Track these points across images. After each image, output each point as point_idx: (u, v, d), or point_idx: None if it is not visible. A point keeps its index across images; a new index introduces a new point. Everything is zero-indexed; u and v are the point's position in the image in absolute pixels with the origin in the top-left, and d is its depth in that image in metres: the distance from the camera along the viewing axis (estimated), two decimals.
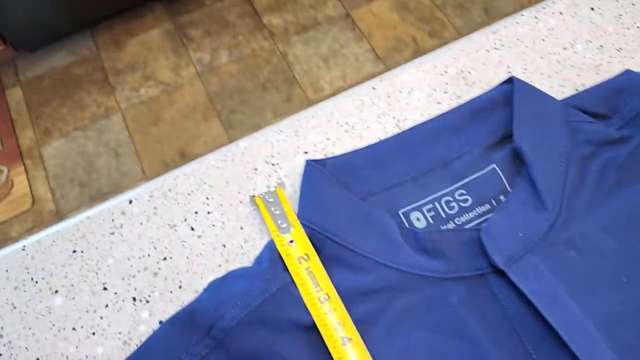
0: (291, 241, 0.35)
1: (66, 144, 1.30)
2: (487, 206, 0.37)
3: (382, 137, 0.41)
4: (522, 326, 0.33)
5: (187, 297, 0.35)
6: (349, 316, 0.33)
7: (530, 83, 0.42)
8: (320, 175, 0.37)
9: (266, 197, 0.37)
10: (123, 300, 0.36)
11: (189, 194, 0.39)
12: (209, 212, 0.38)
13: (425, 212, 0.37)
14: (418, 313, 0.34)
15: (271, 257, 0.35)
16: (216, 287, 0.35)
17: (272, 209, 0.37)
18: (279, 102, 1.34)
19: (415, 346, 0.33)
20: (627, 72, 0.40)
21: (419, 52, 1.39)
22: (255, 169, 0.40)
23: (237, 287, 0.34)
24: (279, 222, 0.36)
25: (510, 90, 0.40)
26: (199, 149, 1.28)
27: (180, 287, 0.36)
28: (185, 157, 1.27)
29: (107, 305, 0.35)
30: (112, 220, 0.38)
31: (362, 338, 0.33)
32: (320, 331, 0.33)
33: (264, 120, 1.31)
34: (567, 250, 0.35)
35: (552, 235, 0.35)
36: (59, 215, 1.21)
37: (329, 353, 0.32)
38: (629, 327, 0.32)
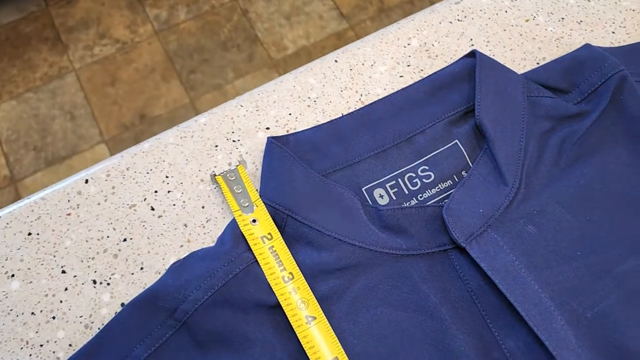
0: (254, 220, 0.35)
1: (18, 106, 1.24)
2: (449, 182, 0.38)
3: (345, 112, 0.40)
4: (482, 301, 0.34)
5: (149, 278, 0.35)
6: (313, 295, 0.34)
7: (492, 56, 0.42)
8: (282, 153, 0.36)
9: (227, 175, 0.37)
10: (83, 283, 0.35)
11: (147, 173, 0.38)
12: (169, 191, 0.37)
13: (388, 188, 0.37)
14: (381, 290, 0.34)
15: (234, 237, 0.35)
16: (178, 268, 0.34)
17: (234, 187, 0.36)
18: (240, 62, 1.30)
19: (379, 323, 0.34)
20: (587, 47, 0.40)
21: (383, 10, 1.37)
22: (216, 146, 0.39)
23: (200, 269, 0.34)
24: (241, 201, 0.36)
25: (473, 64, 0.40)
26: (159, 111, 1.25)
27: (141, 268, 0.35)
28: (144, 119, 1.24)
29: (66, 289, 0.35)
30: (68, 200, 0.37)
31: (326, 316, 0.33)
32: (285, 310, 0.33)
33: (225, 80, 1.28)
34: (526, 225, 0.36)
35: (511, 210, 0.36)
36: (14, 181, 1.17)
37: (294, 332, 0.33)
38: (583, 299, 0.34)
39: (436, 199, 0.37)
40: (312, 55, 1.32)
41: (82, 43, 1.31)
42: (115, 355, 0.32)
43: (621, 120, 0.39)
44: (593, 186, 0.37)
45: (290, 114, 0.40)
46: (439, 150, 0.38)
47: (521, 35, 0.43)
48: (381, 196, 0.37)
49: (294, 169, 0.36)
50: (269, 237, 0.35)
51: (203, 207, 0.37)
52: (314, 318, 0.33)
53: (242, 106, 0.40)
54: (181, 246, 0.36)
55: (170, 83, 1.27)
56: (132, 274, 0.35)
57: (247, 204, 0.36)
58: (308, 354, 0.32)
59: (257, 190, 0.37)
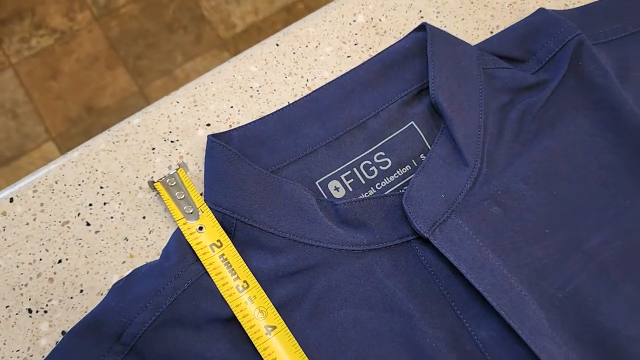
0: (200, 228, 0.32)
1: None
2: (408, 167, 0.36)
3: (291, 100, 0.37)
4: (450, 292, 0.32)
5: (90, 301, 0.32)
6: (270, 303, 0.31)
7: (443, 28, 0.39)
8: (225, 152, 0.33)
9: (167, 181, 0.34)
10: (17, 314, 0.32)
11: (79, 185, 0.34)
12: (105, 203, 0.34)
13: (344, 179, 0.35)
14: (343, 290, 0.32)
15: (179, 249, 0.32)
16: (121, 288, 0.31)
17: (176, 193, 0.33)
18: (188, 44, 1.25)
19: (344, 325, 0.32)
20: (541, 11, 0.38)
21: None
22: (153, 149, 0.35)
23: (144, 287, 0.31)
24: (185, 207, 0.33)
25: (424, 39, 0.37)
26: (106, 102, 1.19)
27: (81, 291, 0.32)
28: (92, 112, 1.18)
29: None
30: None
31: (287, 324, 0.31)
32: (241, 322, 0.31)
33: (174, 64, 1.23)
34: (491, 207, 0.34)
35: (474, 192, 0.34)
36: None
37: (253, 345, 0.30)
38: (553, 279, 0.33)
39: (395, 187, 0.35)
40: (262, 32, 1.27)
41: (17, 36, 1.23)
42: None
43: (581, 88, 0.37)
44: (556, 159, 0.36)
45: (232, 107, 0.37)
46: (395, 134, 0.36)
47: (472, 3, 0.40)
48: (336, 189, 0.35)
49: (240, 168, 0.33)
50: (218, 244, 0.32)
51: (144, 217, 0.34)
52: (274, 328, 0.30)
53: (178, 102, 0.37)
54: (123, 262, 0.33)
55: (116, 71, 1.21)
56: (71, 298, 0.32)
57: (191, 211, 0.33)
58: None
59: (201, 194, 0.34)
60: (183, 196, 0.33)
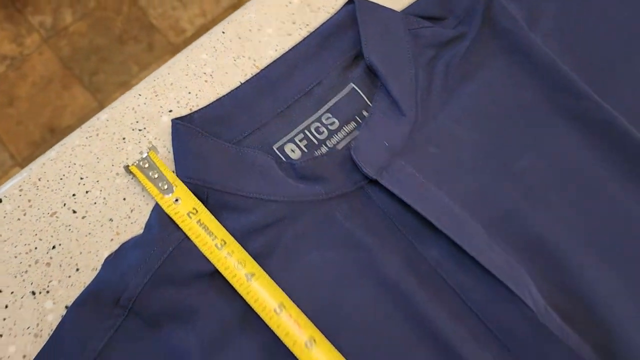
0: (176, 200, 0.36)
1: None
2: (353, 124, 0.40)
3: (242, 80, 0.41)
4: (402, 223, 0.37)
5: (87, 277, 0.36)
6: (247, 254, 0.35)
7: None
8: (189, 131, 0.37)
9: (140, 164, 0.37)
10: (22, 297, 0.35)
11: (61, 179, 0.38)
12: (87, 192, 0.38)
13: (298, 142, 0.39)
14: (309, 236, 0.37)
15: (160, 220, 0.36)
16: (112, 261, 0.35)
17: (150, 173, 0.37)
18: (141, 53, 1.27)
19: (314, 266, 0.36)
20: None
21: None
22: (123, 139, 0.39)
23: (133, 257, 0.35)
24: (160, 184, 0.37)
25: (354, 10, 0.42)
26: (68, 121, 1.21)
27: (77, 269, 0.36)
28: (55, 133, 1.19)
29: (6, 306, 0.35)
30: None
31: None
32: (224, 275, 0.35)
33: (130, 75, 1.25)
34: (429, 147, 0.39)
35: (413, 138, 0.39)
36: None
37: (237, 291, 0.34)
38: (490, 203, 0.37)
39: (344, 143, 0.40)
40: None
41: None
42: (70, 355, 0.33)
43: (496, 35, 0.42)
44: (481, 100, 0.41)
45: (189, 93, 0.41)
46: (338, 97, 0.41)
47: None
48: (293, 151, 0.39)
49: (204, 143, 0.37)
50: (194, 211, 0.36)
51: (124, 198, 0.38)
52: (253, 274, 0.35)
53: (140, 95, 0.40)
54: (111, 240, 0.37)
55: (73, 90, 1.23)
56: (69, 277, 0.36)
57: (166, 187, 0.37)
58: (254, 308, 0.34)
59: (173, 171, 0.38)
60: (157, 175, 0.37)
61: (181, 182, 0.37)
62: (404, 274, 0.36)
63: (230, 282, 0.35)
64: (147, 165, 0.37)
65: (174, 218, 0.36)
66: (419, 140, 0.39)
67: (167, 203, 0.36)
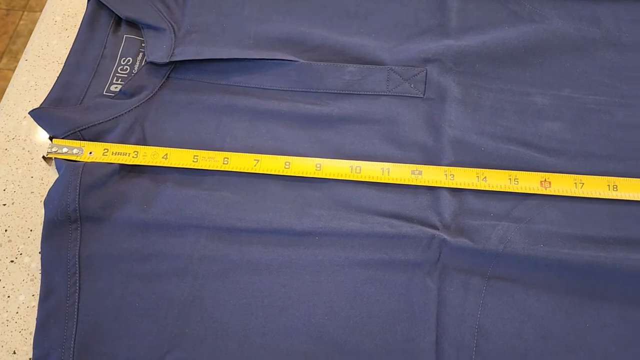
0: (90, 152, 0.54)
1: None
2: (141, 54, 0.61)
3: (62, 63, 0.59)
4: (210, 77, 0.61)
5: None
6: (151, 146, 0.56)
7: None
8: (48, 110, 0.55)
9: (52, 150, 0.54)
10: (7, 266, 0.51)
11: None
12: (4, 190, 0.53)
13: (115, 82, 0.59)
14: (164, 114, 0.58)
15: (66, 164, 0.53)
16: (47, 200, 0.50)
17: (63, 150, 0.54)
18: None
19: (178, 121, 0.58)
20: None
21: None
22: (6, 149, 0.55)
23: (59, 188, 0.51)
24: (74, 151, 0.54)
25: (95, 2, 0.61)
26: None
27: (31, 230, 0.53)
28: None
29: None
30: None
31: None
32: (168, 164, 0.55)
33: None
34: (191, 35, 0.62)
35: (176, 37, 0.62)
36: None
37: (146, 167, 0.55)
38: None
39: (143, 64, 0.60)
40: None
41: None
42: (57, 273, 0.48)
43: None
44: None
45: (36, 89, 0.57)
46: (123, 45, 0.61)
47: None
48: (116, 87, 0.59)
49: (61, 111, 0.55)
50: (106, 150, 0.55)
51: (41, 178, 0.54)
52: (167, 154, 0.56)
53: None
54: (41, 201, 0.53)
55: None
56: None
57: (75, 151, 0.54)
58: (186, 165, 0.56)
59: (70, 140, 0.55)
60: (65, 149, 0.54)
61: (83, 141, 0.55)
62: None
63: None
64: (55, 149, 0.54)
65: (100, 160, 0.54)
66: (182, 34, 0.62)
67: (85, 158, 0.54)
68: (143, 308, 0.47)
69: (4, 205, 0.54)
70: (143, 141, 0.56)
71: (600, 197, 0.49)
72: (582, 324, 0.45)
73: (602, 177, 0.50)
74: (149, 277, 0.48)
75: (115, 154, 0.55)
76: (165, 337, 0.46)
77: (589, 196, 0.49)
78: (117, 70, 0.60)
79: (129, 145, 0.55)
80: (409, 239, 0.49)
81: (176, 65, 0.60)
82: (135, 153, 0.55)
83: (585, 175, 0.50)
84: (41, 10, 0.63)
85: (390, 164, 0.53)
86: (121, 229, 0.50)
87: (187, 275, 0.48)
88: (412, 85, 0.56)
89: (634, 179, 0.50)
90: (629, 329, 0.44)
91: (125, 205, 0.51)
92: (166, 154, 0.55)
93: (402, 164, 0.53)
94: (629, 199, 0.49)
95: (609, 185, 0.50)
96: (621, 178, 0.50)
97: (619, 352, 0.43)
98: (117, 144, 0.55)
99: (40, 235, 0.50)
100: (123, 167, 0.54)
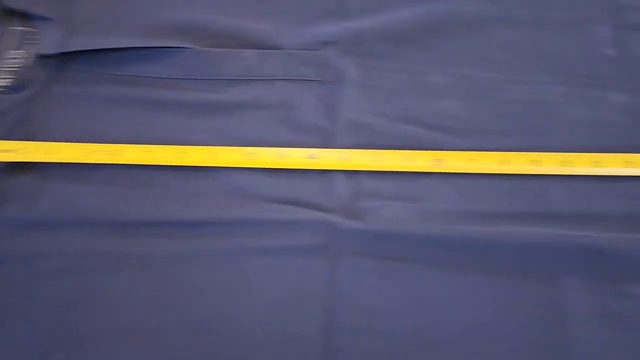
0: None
1: None
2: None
3: None
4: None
5: None
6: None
7: None
8: None
9: None
10: None
11: None
12: None
13: (3, 77, 0.57)
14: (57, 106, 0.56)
15: None
16: None
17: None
18: None
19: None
20: None
21: None
22: None
23: None
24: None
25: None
26: None
27: None
28: None
29: None
30: None
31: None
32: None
33: None
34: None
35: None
36: None
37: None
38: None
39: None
40: None
41: None
42: None
43: None
44: None
45: None
46: (10, 35, 0.59)
47: None
48: (6, 84, 0.57)
49: None
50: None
51: None
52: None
53: None
54: None
55: None
56: None
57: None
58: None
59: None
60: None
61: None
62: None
63: (62, 160, 0.52)
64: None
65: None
66: (74, 24, 0.59)
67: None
68: (21, 312, 0.45)
69: None
70: (32, 136, 0.54)
71: (491, 172, 0.49)
72: (473, 300, 0.45)
73: (494, 152, 0.50)
74: (29, 279, 0.46)
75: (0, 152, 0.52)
76: (44, 339, 0.44)
77: (481, 172, 0.49)
78: (6, 64, 0.57)
79: (14, 141, 0.53)
80: (303, 224, 0.48)
81: (71, 58, 0.57)
82: (21, 150, 0.53)
83: (478, 152, 0.50)
84: None
85: (286, 148, 0.52)
86: (2, 229, 0.48)
87: (69, 274, 0.46)
88: (309, 69, 0.55)
89: (524, 152, 0.50)
90: (515, 300, 0.44)
91: (7, 205, 0.49)
92: (55, 150, 0.53)
93: (297, 149, 0.52)
94: (519, 172, 0.49)
95: (500, 160, 0.50)
96: (512, 153, 0.50)
97: (507, 327, 0.43)
98: (1, 141, 0.53)
99: None
100: (8, 165, 0.52)
